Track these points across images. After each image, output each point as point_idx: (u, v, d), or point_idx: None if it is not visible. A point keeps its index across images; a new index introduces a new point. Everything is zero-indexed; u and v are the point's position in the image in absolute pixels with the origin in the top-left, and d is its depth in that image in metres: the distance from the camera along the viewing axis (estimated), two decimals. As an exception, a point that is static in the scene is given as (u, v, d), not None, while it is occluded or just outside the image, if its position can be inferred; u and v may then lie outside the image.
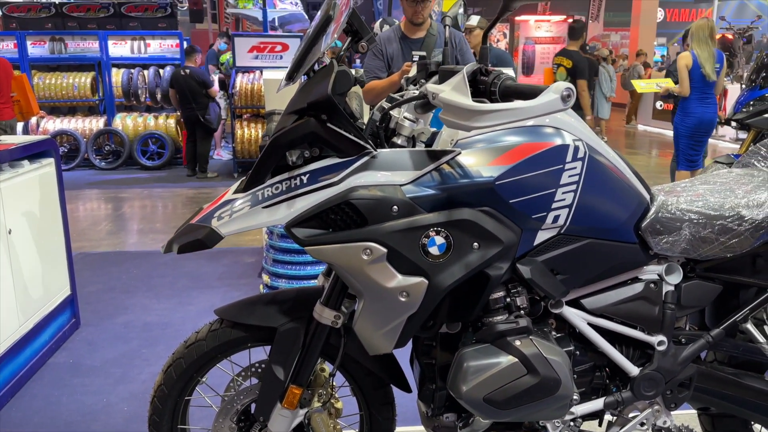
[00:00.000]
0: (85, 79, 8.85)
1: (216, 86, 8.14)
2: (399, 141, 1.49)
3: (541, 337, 1.52)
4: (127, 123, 8.73)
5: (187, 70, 7.79)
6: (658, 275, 1.62)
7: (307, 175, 1.42)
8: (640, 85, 8.39)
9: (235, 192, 1.49)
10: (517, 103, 1.22)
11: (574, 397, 1.52)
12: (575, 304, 1.61)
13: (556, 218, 1.48)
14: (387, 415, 1.77)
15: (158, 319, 3.61)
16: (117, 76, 8.86)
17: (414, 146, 1.52)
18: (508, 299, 1.51)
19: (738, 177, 1.72)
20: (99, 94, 8.97)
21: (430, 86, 1.40)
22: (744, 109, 4.78)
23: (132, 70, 8.78)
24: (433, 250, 1.41)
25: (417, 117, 1.51)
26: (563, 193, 1.47)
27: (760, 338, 1.66)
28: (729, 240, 1.58)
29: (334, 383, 1.74)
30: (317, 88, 1.39)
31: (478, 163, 1.43)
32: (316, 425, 1.67)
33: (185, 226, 1.52)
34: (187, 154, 8.16)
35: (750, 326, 1.66)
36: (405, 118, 1.49)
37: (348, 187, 1.39)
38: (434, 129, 1.62)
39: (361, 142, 1.41)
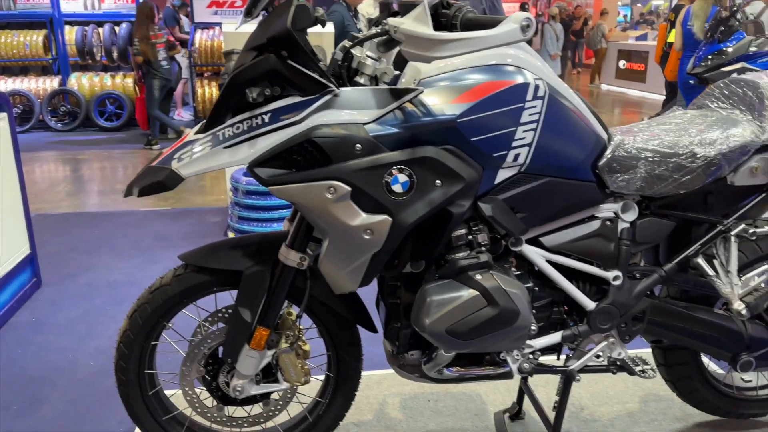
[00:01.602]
0: (36, 37, 8.50)
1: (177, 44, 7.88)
2: (362, 80, 1.48)
3: (501, 272, 1.56)
4: (82, 83, 8.44)
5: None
6: (615, 213, 1.67)
7: (269, 114, 1.41)
8: None
9: (196, 133, 1.47)
10: (477, 33, 1.22)
11: (532, 327, 1.57)
12: (534, 242, 1.66)
13: (516, 157, 1.50)
14: (353, 354, 1.80)
15: (123, 278, 3.57)
16: (70, 33, 8.53)
17: (377, 86, 1.52)
18: (470, 236, 1.54)
19: (693, 117, 1.77)
20: (52, 53, 8.63)
21: (392, 20, 1.40)
22: (702, 64, 4.86)
23: (86, 28, 8.46)
24: (397, 188, 1.42)
25: (380, 56, 1.50)
26: (523, 131, 1.49)
27: (710, 272, 1.73)
28: (682, 177, 1.63)
29: (301, 325, 1.76)
30: (276, 23, 1.37)
31: (440, 102, 1.43)
32: (284, 365, 1.70)
33: (145, 169, 1.50)
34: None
35: (701, 261, 1.73)
36: (367, 56, 1.47)
37: (311, 125, 1.39)
38: (398, 72, 1.61)
39: (323, 80, 1.40)
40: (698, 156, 1.62)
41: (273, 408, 1.80)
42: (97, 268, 3.72)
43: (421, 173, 1.42)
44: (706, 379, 1.97)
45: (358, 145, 1.39)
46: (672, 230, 1.80)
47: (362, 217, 1.42)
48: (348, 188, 1.39)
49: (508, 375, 1.71)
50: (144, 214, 4.75)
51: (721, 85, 1.82)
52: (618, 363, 1.76)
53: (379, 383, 2.33)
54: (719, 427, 2.09)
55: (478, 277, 1.51)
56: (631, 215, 1.67)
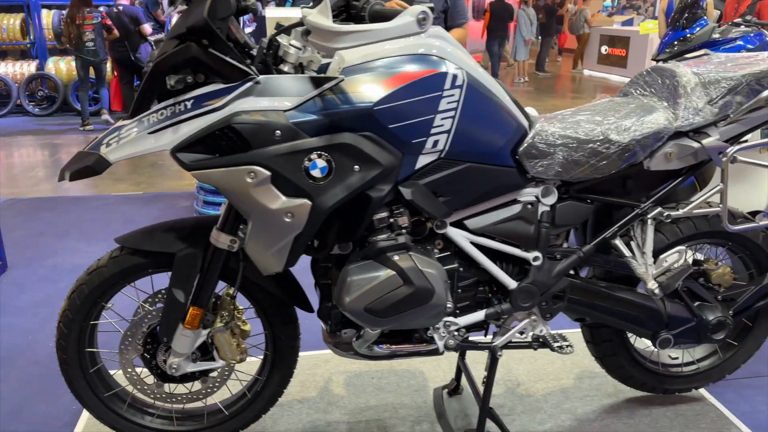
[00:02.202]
0: (14, 20, 8.44)
1: (147, 26, 7.82)
2: (285, 68, 1.53)
3: (420, 253, 1.63)
4: (60, 67, 8.40)
5: (120, 7, 7.51)
6: (535, 197, 1.74)
7: (192, 101, 1.46)
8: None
9: (124, 119, 1.53)
10: (374, 25, 1.28)
11: (448, 305, 1.64)
12: (459, 224, 1.72)
13: (435, 143, 1.56)
14: (290, 333, 1.87)
15: (88, 261, 3.55)
16: (48, 17, 8.47)
17: (302, 74, 1.57)
18: (391, 219, 1.61)
19: (615, 105, 1.83)
20: (30, 37, 8.58)
21: (304, 10, 1.45)
22: (667, 50, 4.91)
23: (63, 12, 8.39)
24: (316, 173, 1.48)
25: (304, 44, 1.55)
26: (442, 119, 1.55)
27: (627, 253, 1.81)
28: (598, 162, 1.70)
29: (238, 305, 1.83)
30: (195, 13, 1.41)
31: (359, 90, 1.49)
32: (219, 344, 1.77)
33: (76, 154, 1.55)
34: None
35: (618, 242, 1.81)
36: (291, 45, 1.52)
37: (231, 112, 1.44)
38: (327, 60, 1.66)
39: (244, 68, 1.45)
40: (613, 142, 1.68)
41: (211, 385, 1.87)
42: (63, 251, 3.76)
43: (339, 159, 1.48)
44: (631, 356, 2.06)
45: (278, 131, 1.45)
46: (596, 213, 1.88)
47: (282, 201, 1.48)
48: (267, 173, 1.45)
49: (436, 352, 1.79)
50: (115, 199, 4.79)
51: (644, 73, 1.89)
52: (540, 340, 1.84)
53: (327, 362, 2.41)
54: (647, 402, 2.19)
55: (396, 257, 1.58)
56: (551, 199, 1.74)
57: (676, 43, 5.13)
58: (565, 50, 16.79)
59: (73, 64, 8.43)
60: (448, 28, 3.34)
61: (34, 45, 8.59)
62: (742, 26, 4.68)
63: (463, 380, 2.22)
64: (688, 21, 4.91)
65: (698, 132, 1.73)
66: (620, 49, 12.49)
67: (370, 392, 2.24)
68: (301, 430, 2.04)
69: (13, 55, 8.78)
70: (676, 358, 2.17)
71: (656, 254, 1.88)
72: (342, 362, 2.40)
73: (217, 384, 1.87)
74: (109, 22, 7.56)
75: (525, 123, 1.71)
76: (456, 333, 1.78)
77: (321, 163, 1.47)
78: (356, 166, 1.49)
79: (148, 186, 5.13)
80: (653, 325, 1.89)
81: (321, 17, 1.33)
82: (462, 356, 2.15)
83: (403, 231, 1.61)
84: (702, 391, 2.25)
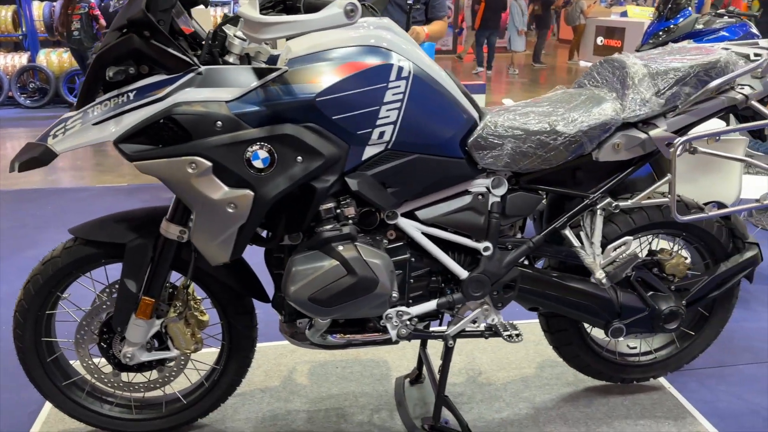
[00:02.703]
0: (5, 12, 8.44)
1: None
2: (231, 59, 1.54)
3: (367, 244, 1.64)
4: (51, 59, 8.40)
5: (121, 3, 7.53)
6: (486, 188, 1.75)
7: (134, 92, 1.47)
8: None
9: (72, 110, 1.54)
10: (300, 16, 1.29)
11: (393, 295, 1.65)
12: (411, 215, 1.74)
13: (381, 134, 1.57)
14: (246, 323, 1.89)
15: (68, 252, 3.63)
16: (39, 9, 8.47)
17: (249, 65, 1.58)
18: (338, 210, 1.62)
19: (566, 96, 1.84)
20: (22, 29, 8.58)
21: (241, 1, 1.46)
22: (651, 40, 4.90)
23: (54, 3, 8.38)
24: (258, 164, 1.49)
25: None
26: (387, 110, 1.56)
27: (576, 243, 1.82)
28: (546, 153, 1.71)
29: (196, 296, 1.85)
30: (134, 5, 1.43)
31: (303, 81, 1.50)
32: (173, 334, 1.79)
33: (26, 145, 1.57)
34: None
35: (568, 232, 1.82)
36: (236, 36, 1.53)
37: (172, 102, 1.45)
38: (275, 52, 1.67)
39: (186, 58, 1.46)
40: (560, 133, 1.69)
41: (168, 374, 1.89)
42: (44, 243, 3.78)
43: (282, 150, 1.49)
44: (587, 346, 2.07)
45: (219, 122, 1.46)
46: (551, 204, 1.90)
47: (224, 191, 1.49)
48: (209, 163, 1.46)
49: (389, 341, 1.81)
50: (99, 191, 4.81)
51: (597, 64, 1.89)
52: (492, 329, 1.86)
53: (293, 352, 2.43)
54: (606, 391, 2.21)
55: (340, 248, 1.59)
56: (502, 190, 1.75)
57: (660, 33, 5.13)
58: (564, 41, 16.71)
59: (65, 56, 8.46)
60: (428, 20, 3.35)
61: (26, 37, 8.58)
62: (725, 17, 4.67)
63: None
64: (671, 12, 4.91)
65: (647, 123, 1.74)
66: (616, 40, 12.44)
67: (333, 381, 2.27)
68: (260, 419, 2.06)
69: (6, 47, 8.78)
70: (635, 348, 2.19)
71: (609, 244, 1.90)
72: (307, 353, 2.42)
73: (173, 373, 1.89)
74: (96, 12, 7.58)
75: (475, 115, 1.72)
76: (408, 322, 1.79)
77: (263, 153, 1.48)
78: (299, 157, 1.50)
79: (132, 177, 5.14)
80: (605, 314, 1.90)
81: (249, 8, 1.34)
82: (423, 346, 2.17)
83: (350, 221, 1.62)
84: (662, 380, 2.27)
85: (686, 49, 1.80)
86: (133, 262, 1.70)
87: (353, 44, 1.55)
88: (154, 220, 1.72)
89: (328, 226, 1.61)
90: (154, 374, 1.90)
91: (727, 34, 4.76)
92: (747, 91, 1.75)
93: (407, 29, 2.94)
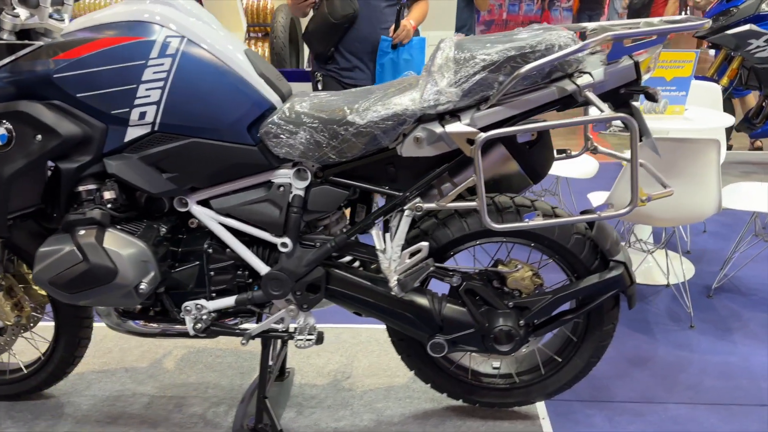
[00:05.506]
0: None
1: None
2: (4, 36, 1.53)
3: (126, 231, 1.57)
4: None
5: None
6: (289, 180, 1.62)
7: None
8: None
9: None
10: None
11: (141, 287, 1.57)
12: (207, 204, 1.65)
13: (142, 115, 1.50)
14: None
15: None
16: None
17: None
18: (98, 193, 1.57)
19: (394, 84, 1.64)
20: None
21: None
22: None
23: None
24: None
25: (29, 11, 1.54)
26: (147, 89, 1.49)
27: (378, 245, 1.63)
28: (339, 145, 1.55)
29: (25, 268, 1.89)
30: None
31: (48, 56, 1.48)
32: (-8, 304, 1.84)
33: None
34: None
35: (374, 233, 1.64)
36: (6, 13, 1.52)
37: None
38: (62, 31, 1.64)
39: None
40: (351, 124, 1.52)
41: (2, 343, 1.95)
42: None
43: (19, 127, 1.47)
44: (430, 359, 1.86)
45: None
46: (363, 201, 1.73)
47: None
48: None
49: (186, 334, 1.74)
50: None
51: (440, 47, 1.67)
52: (289, 332, 1.74)
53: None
54: (467, 414, 1.98)
55: (81, 232, 1.54)
56: (304, 183, 1.62)
57: (719, 17, 4.54)
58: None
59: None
60: (412, 2, 3.18)
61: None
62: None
63: (294, 365, 2.17)
64: (733, -9, 4.31)
65: (454, 115, 1.51)
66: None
67: (196, 369, 2.23)
68: (104, 398, 2.07)
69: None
70: (497, 368, 1.94)
71: (449, 249, 1.69)
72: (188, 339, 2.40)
73: (7, 342, 1.95)
74: None
75: (272, 99, 1.59)
76: (205, 316, 1.71)
77: (1, 131, 1.47)
78: (38, 136, 1.47)
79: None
80: (425, 327, 1.69)
81: None
82: (284, 343, 2.07)
83: (104, 206, 1.56)
84: (542, 409, 2.00)
85: (519, 31, 1.53)
86: None
87: (123, 19, 1.49)
88: None
89: (79, 210, 1.56)
90: (-5, 341, 1.97)
91: (795, 18, 4.12)
92: (585, 80, 1.46)
93: (397, 25, 2.77)
